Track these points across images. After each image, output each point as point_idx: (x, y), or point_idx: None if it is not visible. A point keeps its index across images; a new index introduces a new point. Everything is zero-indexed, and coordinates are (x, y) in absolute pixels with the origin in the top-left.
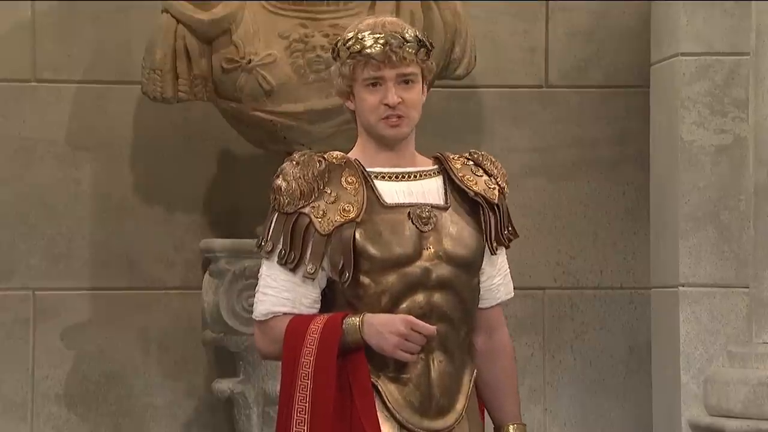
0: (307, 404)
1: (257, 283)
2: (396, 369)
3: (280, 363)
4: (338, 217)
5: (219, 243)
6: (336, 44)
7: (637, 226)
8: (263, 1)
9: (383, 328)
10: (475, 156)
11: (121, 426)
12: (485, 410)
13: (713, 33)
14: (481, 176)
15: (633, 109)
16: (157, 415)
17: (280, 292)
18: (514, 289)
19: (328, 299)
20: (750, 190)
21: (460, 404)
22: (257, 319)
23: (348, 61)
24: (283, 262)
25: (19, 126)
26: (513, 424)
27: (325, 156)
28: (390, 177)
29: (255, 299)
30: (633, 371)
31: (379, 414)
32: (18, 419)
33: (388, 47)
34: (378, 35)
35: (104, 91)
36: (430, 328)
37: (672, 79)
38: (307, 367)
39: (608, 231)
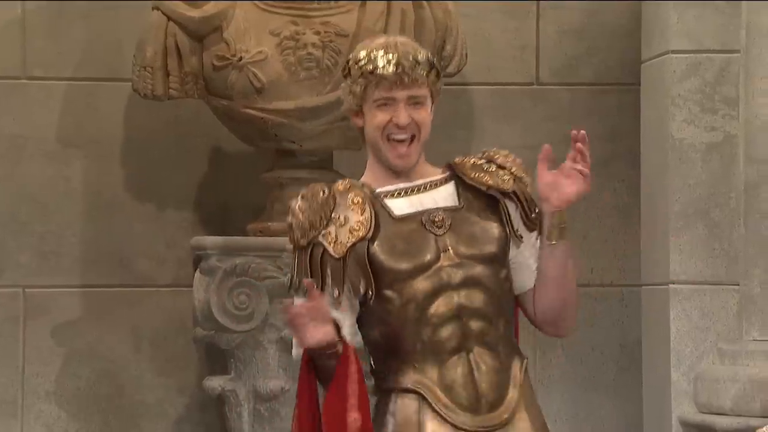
0: None
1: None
2: (439, 374)
3: (270, 359)
4: (349, 237)
5: (210, 240)
6: (347, 62)
7: (628, 223)
8: None
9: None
10: (487, 153)
11: (111, 423)
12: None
13: (704, 30)
14: (494, 170)
15: (624, 107)
16: (147, 412)
17: None
18: None
19: (363, 321)
20: (740, 188)
21: (511, 395)
22: (295, 360)
23: (360, 80)
24: (304, 294)
25: (9, 124)
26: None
27: (329, 186)
28: (399, 193)
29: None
30: (624, 369)
31: (432, 420)
32: (8, 417)
33: (400, 68)
34: (390, 55)
35: (94, 88)
36: (308, 303)
37: (662, 76)
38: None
39: (599, 228)
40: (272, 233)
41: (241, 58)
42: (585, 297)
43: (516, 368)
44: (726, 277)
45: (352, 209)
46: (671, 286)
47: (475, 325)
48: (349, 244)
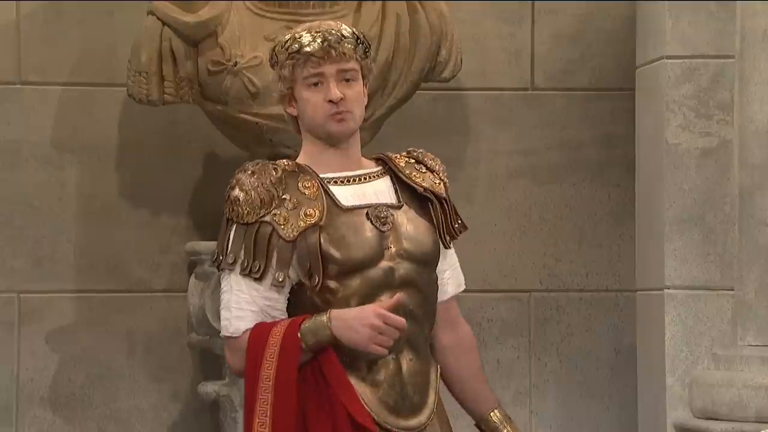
0: (267, 418)
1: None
2: (369, 371)
3: None
4: (301, 222)
5: (204, 246)
6: (274, 49)
7: (623, 228)
8: (249, 3)
9: (355, 321)
10: (415, 154)
11: (106, 429)
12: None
13: (698, 36)
14: (426, 173)
15: (619, 112)
16: (142, 418)
17: (251, 305)
18: (499, 291)
19: (294, 305)
20: (735, 193)
21: (431, 399)
22: (232, 336)
23: (287, 62)
24: (248, 273)
25: (4, 128)
26: (496, 410)
27: (278, 164)
28: (342, 181)
29: (223, 317)
30: (618, 374)
31: None
32: (3, 422)
33: (326, 43)
34: (315, 33)
35: (89, 93)
36: (402, 321)
37: (657, 81)
38: (268, 380)
39: (594, 233)
40: None
41: (236, 63)
42: (580, 302)
43: (433, 372)
44: (721, 282)
45: (304, 193)
46: (666, 291)
47: (409, 325)
48: (301, 228)
